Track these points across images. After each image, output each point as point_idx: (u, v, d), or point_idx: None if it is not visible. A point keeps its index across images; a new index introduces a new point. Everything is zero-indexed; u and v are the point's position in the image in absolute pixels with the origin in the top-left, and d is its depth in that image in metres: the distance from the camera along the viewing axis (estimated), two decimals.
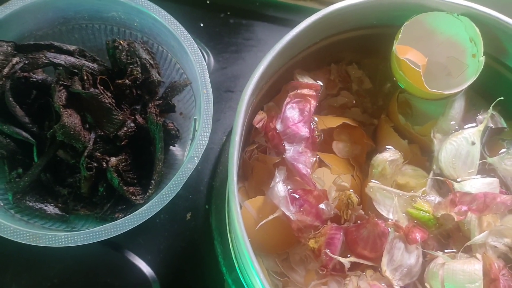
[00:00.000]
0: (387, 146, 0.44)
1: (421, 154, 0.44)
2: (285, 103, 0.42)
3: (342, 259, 0.37)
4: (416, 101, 0.47)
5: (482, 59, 0.41)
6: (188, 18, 0.62)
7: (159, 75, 0.49)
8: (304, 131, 0.41)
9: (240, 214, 0.35)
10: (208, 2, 0.63)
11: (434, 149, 0.42)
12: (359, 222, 0.39)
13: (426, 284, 0.37)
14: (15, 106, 0.44)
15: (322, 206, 0.39)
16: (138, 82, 0.48)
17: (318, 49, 0.47)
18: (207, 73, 0.47)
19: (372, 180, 0.41)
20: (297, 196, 0.39)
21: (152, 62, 0.49)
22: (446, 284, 0.35)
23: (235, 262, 0.46)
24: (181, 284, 0.51)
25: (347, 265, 0.37)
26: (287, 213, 0.38)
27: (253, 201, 0.42)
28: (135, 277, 0.50)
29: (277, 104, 0.47)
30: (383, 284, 0.37)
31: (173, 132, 0.49)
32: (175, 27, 0.48)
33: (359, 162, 0.45)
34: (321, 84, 0.45)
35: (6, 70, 0.44)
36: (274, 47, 0.39)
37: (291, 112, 0.42)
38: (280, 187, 0.39)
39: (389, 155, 0.42)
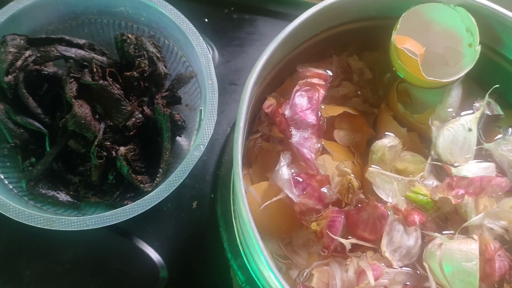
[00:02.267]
0: (386, 133, 0.45)
1: (419, 141, 0.45)
2: (294, 90, 0.44)
3: (343, 240, 0.39)
4: (415, 90, 0.48)
5: (478, 48, 0.42)
6: (193, 13, 0.63)
7: (166, 67, 0.51)
8: (311, 118, 0.43)
9: (245, 196, 0.36)
10: None
11: (432, 136, 0.44)
12: (359, 205, 0.41)
13: (424, 263, 0.38)
14: (28, 98, 0.46)
15: (324, 190, 0.41)
16: (145, 75, 0.49)
17: (319, 40, 0.48)
18: (212, 65, 0.49)
19: (372, 166, 0.43)
20: (301, 180, 0.41)
21: (158, 55, 0.51)
22: (443, 263, 0.37)
23: (240, 248, 0.48)
24: (188, 269, 0.53)
25: (348, 246, 0.39)
26: (291, 195, 0.39)
27: (257, 186, 0.44)
28: (144, 262, 0.51)
29: (280, 94, 0.48)
30: (383, 264, 0.38)
31: (180, 123, 0.51)
32: (181, 21, 0.50)
33: (360, 149, 0.46)
34: (331, 74, 0.47)
35: (19, 62, 0.45)
36: (276, 37, 0.41)
37: (300, 99, 0.44)
38: (284, 171, 0.40)
39: (388, 141, 0.43)
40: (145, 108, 0.50)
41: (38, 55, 0.46)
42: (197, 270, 0.53)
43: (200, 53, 0.49)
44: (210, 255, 0.53)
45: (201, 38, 0.50)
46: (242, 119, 0.38)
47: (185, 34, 0.50)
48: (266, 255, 0.34)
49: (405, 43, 0.44)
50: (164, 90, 0.52)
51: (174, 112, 0.52)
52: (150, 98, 0.51)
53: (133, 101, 0.49)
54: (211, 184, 0.56)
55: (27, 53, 0.46)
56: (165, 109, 0.48)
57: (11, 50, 0.45)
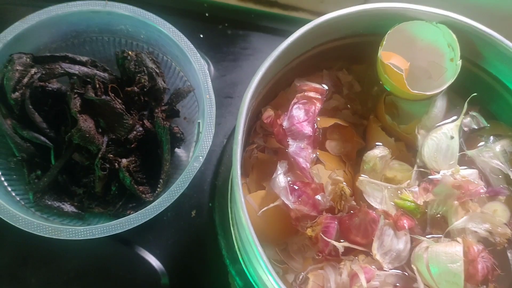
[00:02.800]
0: (376, 143, 0.48)
1: (406, 151, 0.48)
2: (292, 103, 0.46)
3: (336, 243, 0.41)
4: (402, 102, 0.51)
5: (459, 62, 0.45)
6: (189, 30, 0.66)
7: (164, 82, 0.53)
8: (307, 129, 0.45)
9: (244, 205, 0.38)
10: (207, 15, 0.67)
11: (418, 145, 0.46)
12: (351, 212, 0.43)
13: (412, 265, 0.41)
14: (34, 113, 0.48)
15: (318, 197, 0.43)
16: (145, 90, 0.52)
17: (310, 56, 0.51)
18: (209, 80, 0.51)
19: (362, 175, 0.45)
20: (296, 187, 0.43)
21: (157, 71, 0.53)
22: (430, 265, 0.39)
23: (238, 254, 0.50)
24: (188, 276, 0.55)
25: (341, 249, 0.41)
26: (287, 202, 0.42)
27: (254, 195, 0.46)
28: (146, 270, 0.53)
29: (274, 107, 0.51)
30: (374, 267, 0.41)
31: (178, 135, 0.53)
32: (179, 39, 0.53)
33: (350, 158, 0.49)
34: (326, 88, 0.49)
35: (25, 80, 0.48)
36: (271, 54, 0.43)
37: (297, 111, 0.46)
38: (281, 178, 0.43)
39: (379, 151, 0.46)
40: (145, 121, 0.52)
41: (43, 72, 0.49)
42: (197, 277, 0.55)
43: (197, 69, 0.52)
44: (209, 261, 0.55)
45: (198, 54, 0.52)
46: (240, 133, 0.40)
47: (183, 50, 0.52)
48: (265, 260, 0.37)
49: (391, 59, 0.47)
50: (163, 104, 0.54)
51: (173, 125, 0.55)
52: (150, 111, 0.53)
53: (134, 115, 0.52)
54: (209, 194, 0.58)
55: (33, 70, 0.48)
56: (164, 122, 0.51)
57: (18, 68, 0.47)
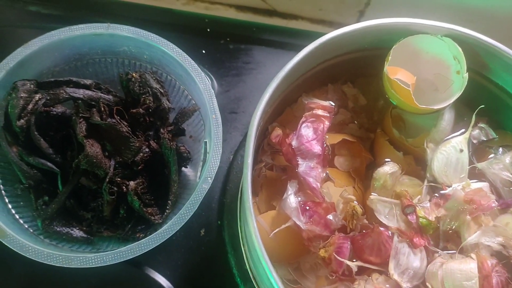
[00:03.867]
0: (386, 160, 0.48)
1: (415, 164, 0.48)
2: (300, 121, 0.46)
3: (349, 263, 0.41)
4: (408, 115, 0.51)
5: (466, 75, 0.45)
6: (191, 46, 0.66)
7: (169, 102, 0.53)
8: (317, 148, 0.45)
9: (257, 229, 0.38)
10: (208, 30, 0.67)
11: (427, 158, 0.46)
12: (364, 231, 0.43)
13: (427, 283, 0.40)
14: (39, 139, 0.48)
15: (330, 217, 0.43)
16: (150, 110, 0.51)
17: (316, 72, 0.51)
18: (215, 99, 0.51)
19: (372, 193, 0.45)
20: (308, 208, 0.43)
21: (162, 91, 0.53)
22: (445, 283, 0.39)
23: (249, 273, 0.50)
24: None
25: (355, 269, 0.41)
26: (298, 222, 0.42)
27: (265, 216, 0.46)
28: None
29: (281, 124, 0.51)
30: (388, 286, 0.41)
31: (185, 154, 0.53)
32: (182, 58, 0.52)
33: (360, 174, 0.49)
34: (334, 105, 0.49)
35: (30, 106, 0.47)
36: (277, 75, 0.43)
37: (306, 130, 0.46)
38: (292, 199, 0.42)
39: (389, 168, 0.45)
40: (151, 142, 0.52)
41: (48, 98, 0.48)
42: None
43: (202, 89, 0.51)
44: (219, 281, 0.55)
45: (203, 73, 0.52)
46: (249, 156, 0.40)
47: (187, 70, 0.52)
48: (278, 282, 0.36)
49: (397, 74, 0.46)
50: (168, 124, 0.54)
51: (179, 144, 0.54)
52: (155, 132, 0.53)
53: (140, 136, 0.51)
54: (217, 212, 0.58)
55: (37, 96, 0.48)
56: (171, 143, 0.50)
57: (22, 95, 0.47)
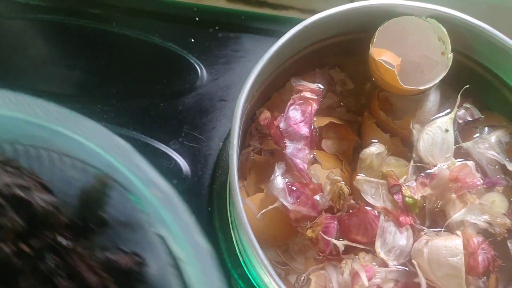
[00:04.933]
0: (372, 141, 0.48)
1: (402, 146, 0.48)
2: (288, 104, 0.47)
3: (336, 242, 0.41)
4: (395, 97, 0.51)
5: (451, 56, 0.45)
6: (179, 35, 0.66)
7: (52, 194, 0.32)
8: (304, 130, 0.45)
9: (243, 209, 0.38)
10: (197, 19, 0.67)
11: (414, 139, 0.46)
12: (350, 211, 0.43)
13: (413, 261, 0.41)
14: None
15: (317, 197, 0.43)
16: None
17: (302, 56, 0.51)
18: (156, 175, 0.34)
19: (359, 174, 0.45)
20: (295, 188, 0.43)
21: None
22: (430, 260, 0.39)
23: (240, 258, 0.50)
24: None
25: (342, 248, 0.41)
26: (285, 203, 0.42)
27: (253, 198, 0.46)
28: None
29: (268, 109, 0.51)
30: (375, 264, 0.41)
31: (131, 267, 0.32)
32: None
33: (347, 156, 0.49)
34: (322, 87, 0.49)
35: None
36: (262, 57, 0.43)
37: (294, 112, 0.46)
38: (279, 180, 0.43)
39: (375, 148, 0.46)
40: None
41: None
42: None
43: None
44: None
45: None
46: (235, 138, 0.40)
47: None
48: (266, 263, 0.37)
49: (382, 55, 0.47)
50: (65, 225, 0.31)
51: (108, 253, 0.32)
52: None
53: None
54: (207, 198, 0.58)
55: None
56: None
57: None
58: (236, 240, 0.50)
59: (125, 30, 0.65)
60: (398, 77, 0.44)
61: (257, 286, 0.47)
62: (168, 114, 0.61)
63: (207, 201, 0.58)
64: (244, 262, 0.49)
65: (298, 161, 0.44)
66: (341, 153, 0.49)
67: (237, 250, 0.50)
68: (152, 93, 0.62)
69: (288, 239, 0.46)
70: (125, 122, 0.60)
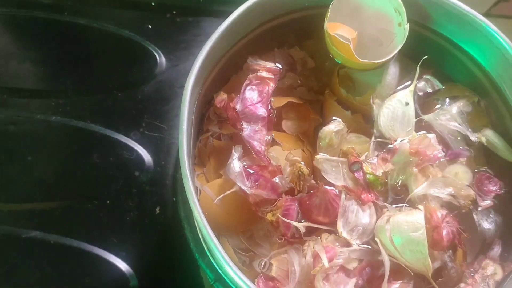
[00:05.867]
0: (332, 118, 0.47)
1: (364, 122, 0.47)
2: (244, 84, 0.45)
3: (296, 224, 0.40)
4: (356, 73, 0.49)
5: (407, 27, 0.44)
6: (136, 22, 0.64)
7: None
8: (261, 111, 0.44)
9: (195, 198, 0.37)
10: (153, 4, 0.65)
11: (374, 114, 0.45)
12: (311, 191, 0.42)
13: (376, 238, 0.40)
14: None
15: (276, 180, 0.42)
16: None
17: (258, 35, 0.49)
18: None
19: (320, 153, 0.44)
20: (252, 172, 0.41)
21: None
22: (393, 236, 0.38)
23: (205, 247, 0.49)
24: (158, 275, 0.53)
25: (303, 230, 0.40)
26: (243, 187, 0.40)
27: (212, 185, 0.44)
28: (113, 274, 0.52)
29: (227, 92, 0.49)
30: (338, 244, 0.40)
31: None
32: None
33: (308, 136, 0.47)
34: (280, 67, 0.48)
35: None
36: (211, 37, 0.41)
37: (250, 93, 0.45)
38: (236, 164, 0.41)
39: (334, 126, 0.44)
40: None
41: None
42: (167, 274, 0.53)
43: None
44: (178, 257, 0.54)
45: None
46: (185, 122, 0.38)
47: None
48: (221, 251, 0.35)
49: (337, 29, 0.45)
50: None
51: None
52: None
53: None
54: (172, 188, 0.56)
55: None
56: None
57: None
58: (199, 229, 0.49)
59: (77, 19, 0.63)
60: (354, 51, 0.43)
61: (223, 275, 0.45)
62: (127, 104, 0.60)
63: (172, 191, 0.57)
64: (209, 251, 0.48)
65: (255, 143, 0.43)
66: (302, 133, 0.48)
67: (201, 239, 0.49)
68: (109, 83, 0.60)
69: (251, 224, 0.45)
70: (82, 115, 0.58)
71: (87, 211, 0.55)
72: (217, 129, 0.49)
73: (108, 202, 0.55)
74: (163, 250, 0.54)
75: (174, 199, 0.56)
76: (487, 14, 0.66)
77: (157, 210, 0.55)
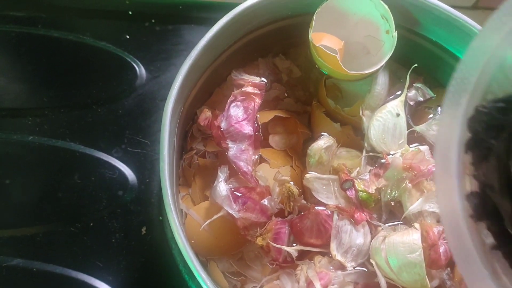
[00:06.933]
0: (321, 133, 0.45)
1: (354, 134, 0.45)
2: (229, 101, 0.43)
3: (288, 249, 0.38)
4: (344, 83, 0.48)
5: (395, 34, 0.42)
6: (113, 31, 0.61)
7: None
8: (247, 129, 0.42)
9: (179, 227, 0.35)
10: (130, 13, 0.62)
11: (364, 127, 0.43)
12: (302, 213, 0.40)
13: (371, 261, 0.38)
14: None
15: (265, 202, 0.40)
16: None
17: (241, 46, 0.47)
18: None
19: (309, 171, 0.42)
20: (240, 194, 0.40)
21: None
22: (389, 258, 0.37)
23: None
24: None
25: (294, 254, 0.38)
26: (231, 211, 0.39)
27: (198, 208, 0.42)
28: None
29: (211, 107, 0.47)
30: (332, 268, 0.38)
31: None
32: None
33: (297, 151, 0.46)
34: (265, 81, 0.46)
35: None
36: (190, 54, 0.40)
37: (235, 110, 0.43)
38: (222, 186, 0.39)
39: (323, 142, 0.42)
40: None
41: None
42: None
43: None
44: (167, 279, 0.52)
45: None
46: (165, 147, 0.36)
47: None
48: (204, 277, 0.34)
49: (323, 39, 0.43)
50: None
51: None
52: None
53: None
54: (158, 206, 0.54)
55: None
56: None
57: None
58: None
59: (52, 31, 0.60)
60: (340, 63, 0.41)
61: None
62: (107, 120, 0.57)
63: (158, 210, 0.55)
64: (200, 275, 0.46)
65: (242, 163, 0.41)
66: (291, 148, 0.46)
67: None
68: (88, 98, 0.57)
69: (242, 247, 0.43)
70: (61, 133, 0.56)
71: (70, 235, 0.52)
72: (202, 147, 0.47)
73: (91, 224, 0.53)
74: (151, 272, 0.52)
75: (160, 218, 0.54)
76: (474, 7, 0.64)
77: (143, 230, 0.53)
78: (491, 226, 0.26)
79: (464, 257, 0.25)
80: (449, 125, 0.26)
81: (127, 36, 0.61)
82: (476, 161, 0.26)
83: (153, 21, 0.62)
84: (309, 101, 0.49)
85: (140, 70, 0.60)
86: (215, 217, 0.39)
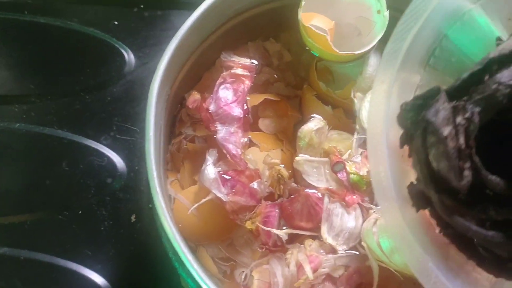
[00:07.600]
0: (312, 115, 0.44)
1: (346, 117, 0.44)
2: (218, 83, 0.42)
3: (278, 232, 0.37)
4: (335, 66, 0.47)
5: (387, 14, 0.41)
6: (101, 17, 0.60)
7: None
8: (237, 111, 0.41)
9: (165, 210, 0.34)
10: None
11: (355, 109, 0.43)
12: (292, 196, 0.40)
13: (363, 243, 0.37)
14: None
15: (254, 185, 0.39)
16: None
17: (230, 28, 0.46)
18: None
19: (300, 154, 0.41)
20: (228, 177, 0.39)
21: None
22: (380, 240, 0.36)
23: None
24: (137, 286, 0.50)
25: (285, 238, 0.38)
26: (219, 194, 0.38)
27: (186, 192, 0.42)
28: None
29: (200, 91, 0.46)
30: (322, 251, 0.37)
31: None
32: None
33: (287, 135, 0.45)
34: (256, 63, 0.45)
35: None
36: (176, 35, 0.38)
37: (224, 92, 0.42)
38: (210, 169, 0.38)
39: (314, 124, 0.42)
40: None
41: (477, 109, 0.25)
42: (146, 285, 0.51)
43: None
44: (157, 267, 0.51)
45: None
46: (151, 128, 0.35)
47: None
48: (192, 263, 0.33)
49: (313, 20, 0.42)
50: None
51: None
52: None
53: None
54: (147, 194, 0.53)
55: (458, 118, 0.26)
56: None
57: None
58: None
59: (38, 17, 0.59)
60: (331, 43, 0.40)
61: (204, 284, 0.43)
62: (95, 107, 0.56)
63: (148, 197, 0.54)
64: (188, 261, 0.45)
65: (230, 146, 0.40)
66: (281, 131, 0.45)
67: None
68: (75, 85, 0.57)
69: (231, 232, 0.42)
70: (48, 120, 0.55)
71: (58, 223, 0.51)
72: (191, 131, 0.46)
73: (80, 212, 0.52)
74: (141, 260, 0.51)
75: (150, 205, 0.53)
76: None
77: (133, 218, 0.52)
78: (431, 213, 0.28)
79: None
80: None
81: (115, 22, 0.60)
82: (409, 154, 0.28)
83: (141, 6, 0.61)
84: (299, 86, 0.48)
85: (129, 56, 0.59)
86: (203, 200, 0.39)
